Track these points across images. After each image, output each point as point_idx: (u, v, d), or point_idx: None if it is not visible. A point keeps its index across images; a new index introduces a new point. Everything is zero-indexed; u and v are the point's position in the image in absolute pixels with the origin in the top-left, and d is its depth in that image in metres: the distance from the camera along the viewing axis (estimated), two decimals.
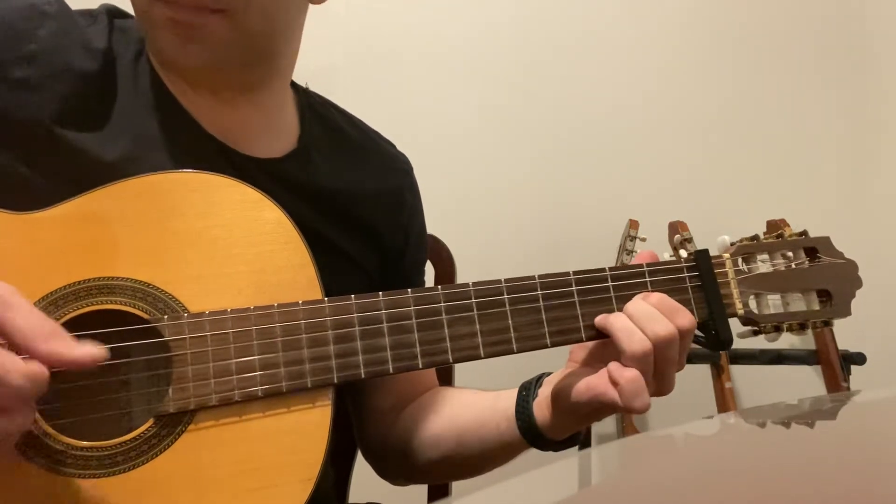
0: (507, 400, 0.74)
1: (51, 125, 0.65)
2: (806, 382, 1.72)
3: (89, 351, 0.51)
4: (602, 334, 0.67)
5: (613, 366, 0.64)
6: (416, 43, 1.73)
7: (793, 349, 1.66)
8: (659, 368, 0.64)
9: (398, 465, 0.85)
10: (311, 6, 0.76)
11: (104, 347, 0.52)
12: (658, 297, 0.67)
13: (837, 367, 1.59)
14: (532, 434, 0.71)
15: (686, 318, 0.65)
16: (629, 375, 0.62)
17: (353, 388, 0.87)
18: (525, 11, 1.80)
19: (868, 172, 1.93)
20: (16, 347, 0.50)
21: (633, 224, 1.57)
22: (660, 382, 0.65)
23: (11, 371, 0.48)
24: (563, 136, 1.81)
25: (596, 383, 0.64)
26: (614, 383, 0.63)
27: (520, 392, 0.73)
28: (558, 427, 0.70)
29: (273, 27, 0.70)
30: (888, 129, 1.93)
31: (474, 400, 0.80)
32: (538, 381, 0.73)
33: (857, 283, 0.72)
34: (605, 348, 0.68)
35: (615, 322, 0.65)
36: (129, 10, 0.74)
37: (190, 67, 0.69)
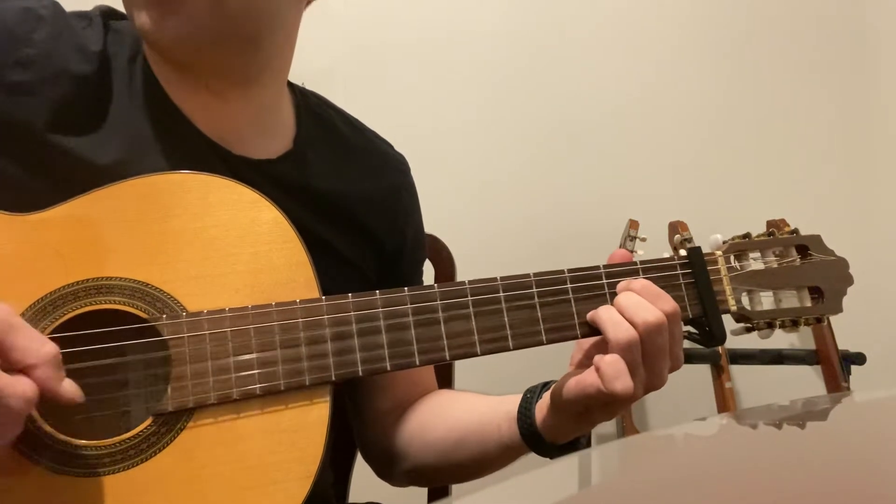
0: (511, 403, 0.74)
1: (46, 129, 0.66)
2: (806, 382, 1.72)
3: (73, 390, 0.54)
4: (596, 331, 0.67)
5: (598, 356, 0.65)
6: (415, 42, 1.74)
7: (793, 349, 1.66)
8: (649, 358, 0.65)
9: (398, 466, 0.84)
10: (308, 7, 0.76)
11: (80, 391, 0.55)
12: (642, 282, 0.68)
13: (837, 367, 1.59)
14: (531, 436, 0.71)
15: (668, 303, 0.66)
16: (609, 358, 0.63)
17: (354, 390, 0.87)
18: (524, 10, 1.80)
19: (868, 172, 1.93)
20: (14, 366, 0.51)
21: (633, 224, 1.57)
22: (650, 375, 0.65)
23: (11, 396, 0.50)
24: (563, 135, 1.81)
25: (583, 377, 0.65)
26: (597, 369, 0.64)
27: (524, 395, 0.74)
28: (556, 429, 0.70)
29: (256, 13, 0.69)
30: (888, 129, 1.93)
31: (476, 402, 0.80)
32: (545, 386, 0.73)
33: (849, 280, 0.72)
34: (603, 349, 0.68)
35: (602, 314, 0.66)
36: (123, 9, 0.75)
37: (170, 43, 0.67)
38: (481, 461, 0.77)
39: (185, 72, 0.72)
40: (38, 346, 0.52)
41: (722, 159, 1.88)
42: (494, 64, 1.78)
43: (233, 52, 0.71)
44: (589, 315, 0.68)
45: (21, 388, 0.50)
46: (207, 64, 0.71)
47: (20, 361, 0.51)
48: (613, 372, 0.62)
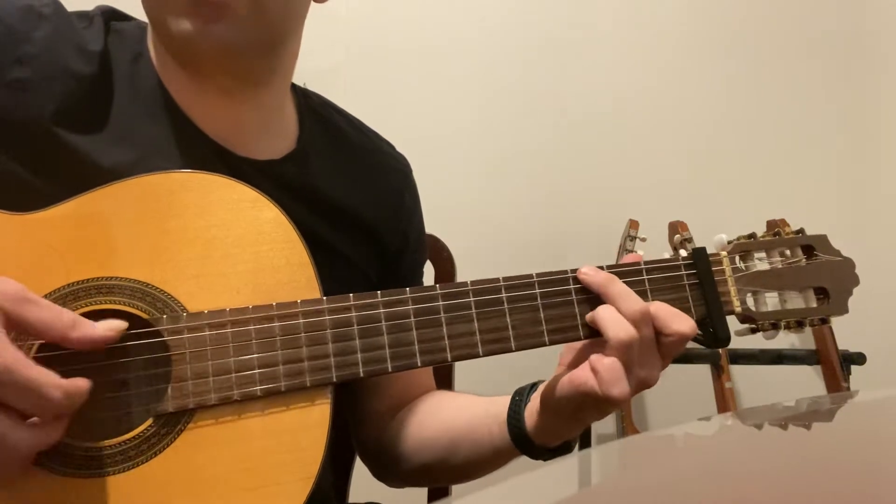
0: (500, 405, 0.73)
1: (48, 126, 0.65)
2: (806, 382, 1.72)
3: (111, 325, 0.56)
4: (598, 332, 0.66)
5: (594, 356, 0.63)
6: (416, 43, 1.74)
7: (793, 349, 1.66)
8: (641, 352, 0.63)
9: (393, 467, 0.84)
10: (311, 6, 0.76)
11: (118, 321, 0.56)
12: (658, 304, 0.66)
13: (837, 367, 1.59)
14: (522, 440, 0.70)
15: (687, 324, 0.65)
16: (607, 362, 0.62)
17: (350, 390, 0.87)
18: (524, 10, 1.80)
19: (868, 172, 1.93)
20: (44, 339, 0.53)
21: (633, 224, 1.57)
22: (646, 374, 0.64)
23: (50, 385, 0.50)
24: (563, 135, 1.81)
25: (577, 375, 0.64)
26: (594, 371, 0.62)
27: (513, 397, 0.73)
28: (548, 432, 0.69)
29: (287, 13, 0.70)
30: (888, 129, 1.93)
31: (469, 404, 0.80)
32: (532, 387, 0.73)
33: (855, 280, 0.72)
34: (594, 349, 0.67)
35: (602, 312, 0.65)
36: (124, 9, 0.75)
37: (210, 50, 0.67)
38: (475, 463, 0.77)
39: (197, 74, 0.71)
40: (58, 316, 0.53)
41: (722, 159, 1.88)
42: (495, 64, 1.78)
43: (259, 56, 0.71)
44: (588, 316, 0.66)
45: (61, 380, 0.51)
46: (230, 68, 0.71)
47: (50, 332, 0.52)
48: (611, 378, 0.61)
